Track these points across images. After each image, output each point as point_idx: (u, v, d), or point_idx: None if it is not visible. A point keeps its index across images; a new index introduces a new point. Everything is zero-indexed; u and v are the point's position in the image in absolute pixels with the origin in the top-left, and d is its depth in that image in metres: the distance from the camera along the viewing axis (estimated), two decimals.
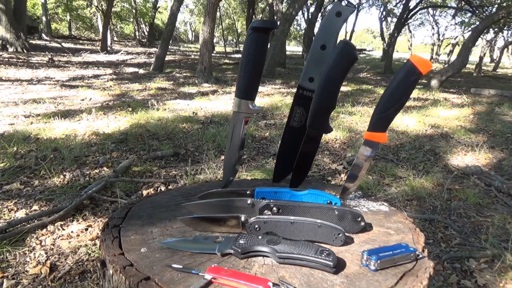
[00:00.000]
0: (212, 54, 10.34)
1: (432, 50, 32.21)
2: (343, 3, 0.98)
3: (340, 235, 0.80)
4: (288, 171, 1.15)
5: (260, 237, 0.78)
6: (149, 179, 2.85)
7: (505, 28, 18.26)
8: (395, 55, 24.93)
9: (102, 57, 14.45)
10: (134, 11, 29.00)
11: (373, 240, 0.85)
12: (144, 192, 2.62)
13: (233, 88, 3.53)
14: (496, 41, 25.64)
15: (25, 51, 13.35)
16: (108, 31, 19.20)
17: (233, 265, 0.74)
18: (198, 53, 10.48)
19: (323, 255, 0.72)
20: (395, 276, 0.72)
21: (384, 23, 27.27)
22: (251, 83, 0.96)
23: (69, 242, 2.00)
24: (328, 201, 0.94)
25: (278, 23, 10.20)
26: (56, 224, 2.15)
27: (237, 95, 0.97)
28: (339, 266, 0.73)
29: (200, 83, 8.64)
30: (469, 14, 18.93)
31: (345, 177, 2.41)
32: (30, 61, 11.30)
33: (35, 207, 2.34)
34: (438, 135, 4.69)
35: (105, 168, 3.00)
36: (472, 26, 16.61)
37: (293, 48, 52.74)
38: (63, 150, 3.25)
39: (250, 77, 0.95)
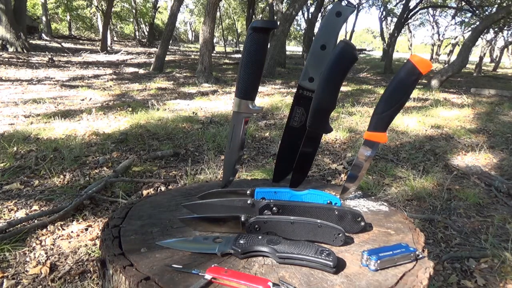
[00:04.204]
0: (212, 54, 10.34)
1: (432, 50, 32.22)
2: (343, 3, 0.98)
3: (340, 235, 0.80)
4: (288, 171, 1.15)
5: (260, 237, 0.78)
6: (149, 179, 2.85)
7: (505, 28, 18.26)
8: (395, 55, 24.93)
9: (102, 57, 14.45)
10: (134, 11, 29.00)
11: (373, 240, 0.85)
12: (144, 192, 2.62)
13: (233, 88, 3.54)
14: (496, 41, 25.64)
15: (25, 51, 13.35)
16: (108, 31, 19.20)
17: (233, 265, 0.74)
18: (198, 53, 10.49)
19: (323, 255, 0.72)
20: (395, 276, 0.72)
21: (384, 23, 27.27)
22: (251, 83, 0.96)
23: (69, 242, 2.00)
24: (328, 201, 0.94)
25: (278, 23, 10.20)
26: (56, 224, 2.15)
27: (237, 95, 0.97)
28: (339, 266, 0.73)
29: (200, 83, 8.64)
30: (469, 14, 18.93)
31: (345, 177, 2.41)
32: (30, 61, 11.30)
33: (35, 207, 2.34)
34: (438, 135, 4.69)
35: (105, 168, 3.00)
36: (472, 26, 16.62)
37: (293, 48, 52.72)
38: (63, 150, 3.24)
39: (250, 77, 0.95)
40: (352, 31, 28.54)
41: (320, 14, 17.03)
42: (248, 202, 0.90)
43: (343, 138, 4.28)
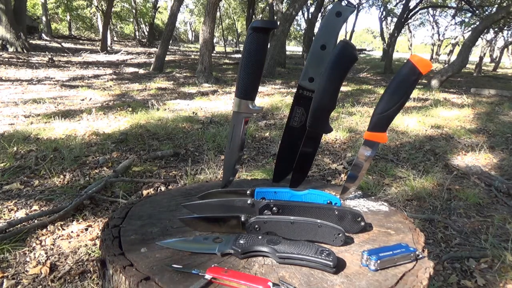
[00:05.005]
0: (212, 54, 10.34)
1: (432, 50, 32.23)
2: (343, 3, 0.98)
3: (340, 235, 0.80)
4: (288, 171, 1.15)
5: (260, 237, 0.78)
6: (149, 179, 2.85)
7: (505, 28, 18.26)
8: (395, 55, 24.92)
9: (102, 57, 14.45)
10: (134, 11, 28.99)
11: (373, 240, 0.85)
12: (144, 192, 2.62)
13: (233, 88, 3.54)
14: (496, 41, 25.64)
15: (25, 51, 13.35)
16: (108, 31, 19.20)
17: (233, 265, 0.74)
18: (198, 53, 10.49)
19: (323, 255, 0.72)
20: (395, 276, 0.72)
21: (384, 23, 27.28)
22: (251, 83, 0.96)
23: (69, 242, 2.00)
24: (328, 201, 0.94)
25: (278, 23, 10.20)
26: (56, 224, 2.15)
27: (237, 95, 0.97)
28: (339, 266, 0.73)
29: (200, 83, 8.64)
30: (469, 14, 18.93)
31: (345, 177, 2.41)
32: (30, 61, 11.30)
33: (35, 207, 2.34)
34: (438, 135, 4.70)
35: (105, 168, 3.00)
36: (472, 26, 16.62)
37: (293, 48, 52.70)
38: (63, 150, 3.24)
39: (250, 77, 0.95)
40: (352, 31, 28.53)
41: (320, 14, 17.03)
42: (248, 202, 0.90)
43: (343, 138, 4.28)
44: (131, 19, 31.93)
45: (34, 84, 7.23)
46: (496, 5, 13.89)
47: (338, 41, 0.97)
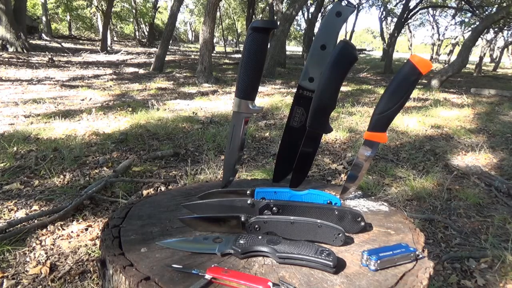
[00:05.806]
0: (212, 54, 10.34)
1: (432, 50, 32.25)
2: (343, 3, 0.98)
3: (340, 235, 0.80)
4: (288, 171, 1.15)
5: (260, 237, 0.78)
6: (149, 179, 2.85)
7: (505, 28, 18.26)
8: (395, 55, 24.91)
9: (102, 57, 14.45)
10: (134, 11, 28.97)
11: (373, 240, 0.85)
12: (144, 192, 2.62)
13: (233, 88, 3.54)
14: (496, 41, 25.62)
15: (25, 51, 13.34)
16: (108, 31, 19.19)
17: (233, 265, 0.74)
18: (198, 53, 10.48)
19: (323, 255, 0.72)
20: (395, 276, 0.72)
21: (384, 23, 27.28)
22: (251, 83, 0.96)
23: (69, 242, 2.00)
24: (328, 201, 0.94)
25: (278, 23, 10.20)
26: (56, 224, 2.15)
27: (237, 95, 0.97)
28: (339, 266, 0.73)
29: (200, 83, 8.64)
30: (469, 14, 18.93)
31: (345, 177, 2.41)
32: (30, 61, 11.30)
33: (35, 207, 2.34)
34: (438, 135, 4.69)
35: (105, 168, 3.00)
36: (472, 26, 16.62)
37: (293, 48, 52.67)
38: (63, 150, 3.24)
39: (250, 77, 0.95)
40: (352, 31, 28.53)
41: (320, 14, 17.03)
42: (248, 202, 0.90)
43: (343, 138, 4.28)
44: (131, 19, 31.89)
45: (34, 84, 7.23)
46: (496, 5, 13.88)
47: (338, 41, 0.97)
